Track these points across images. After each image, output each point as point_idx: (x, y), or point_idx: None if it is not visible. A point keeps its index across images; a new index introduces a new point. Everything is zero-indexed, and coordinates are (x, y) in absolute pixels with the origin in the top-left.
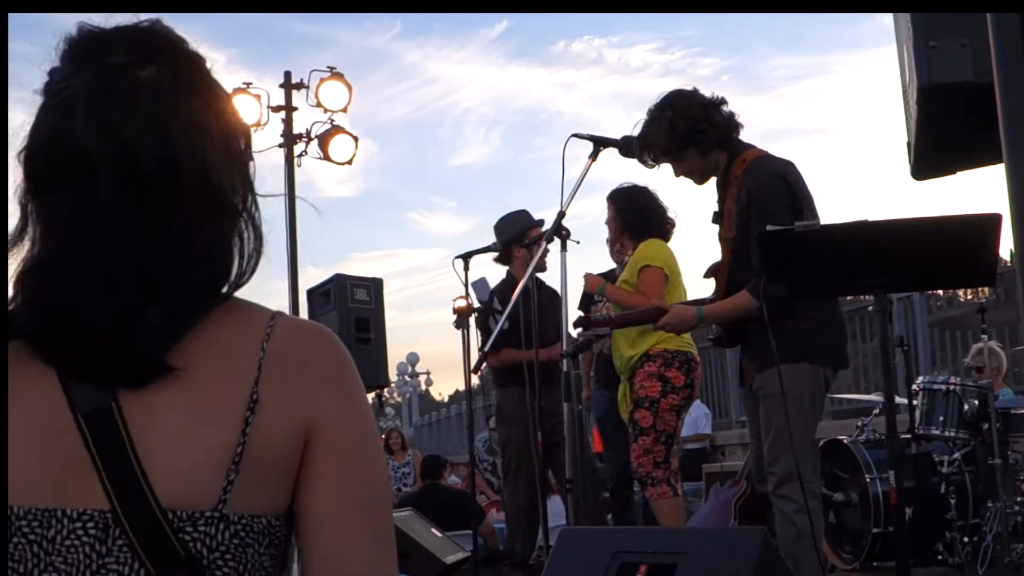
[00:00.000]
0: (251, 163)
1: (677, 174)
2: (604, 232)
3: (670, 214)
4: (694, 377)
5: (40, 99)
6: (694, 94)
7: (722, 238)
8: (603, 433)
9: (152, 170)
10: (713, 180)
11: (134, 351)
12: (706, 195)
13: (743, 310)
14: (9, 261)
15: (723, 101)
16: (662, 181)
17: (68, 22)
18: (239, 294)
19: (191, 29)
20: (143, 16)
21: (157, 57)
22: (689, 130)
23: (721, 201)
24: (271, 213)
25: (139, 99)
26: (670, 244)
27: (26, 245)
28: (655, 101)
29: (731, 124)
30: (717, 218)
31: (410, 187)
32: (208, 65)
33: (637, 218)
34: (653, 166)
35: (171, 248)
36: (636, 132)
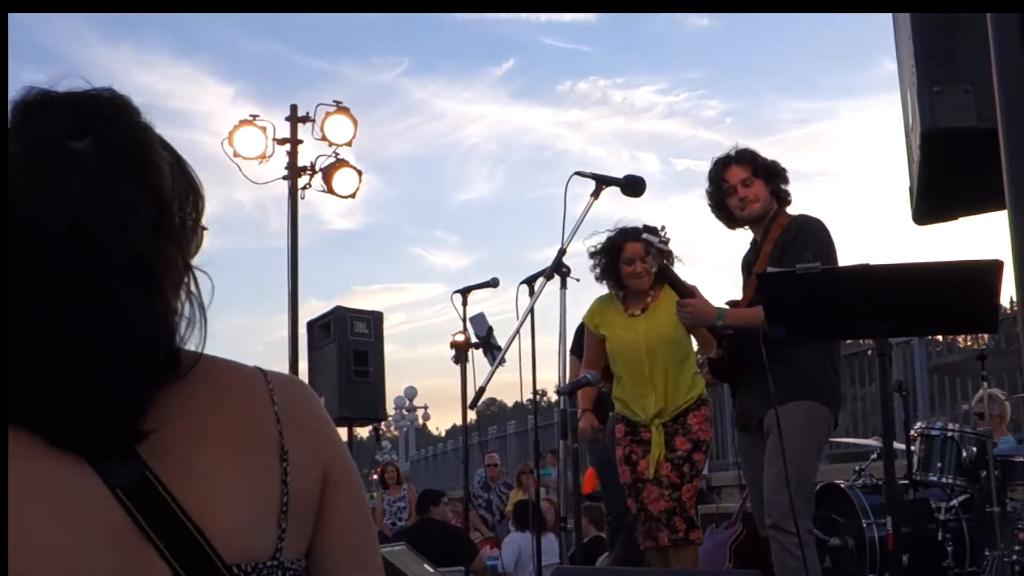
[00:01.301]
0: (193, 233)
1: (741, 195)
2: None
3: None
4: None
5: None
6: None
7: (751, 274)
8: (602, 474)
9: (66, 243)
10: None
11: (104, 430)
12: None
13: (761, 321)
14: None
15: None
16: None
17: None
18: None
19: (201, 63)
20: (98, 85)
21: (93, 129)
22: (774, 165)
23: (760, 242)
24: (273, 245)
25: (64, 173)
26: None
27: None
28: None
29: (788, 195)
30: (751, 261)
31: (414, 222)
32: (151, 136)
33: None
34: (718, 196)
35: (83, 327)
36: (734, 152)
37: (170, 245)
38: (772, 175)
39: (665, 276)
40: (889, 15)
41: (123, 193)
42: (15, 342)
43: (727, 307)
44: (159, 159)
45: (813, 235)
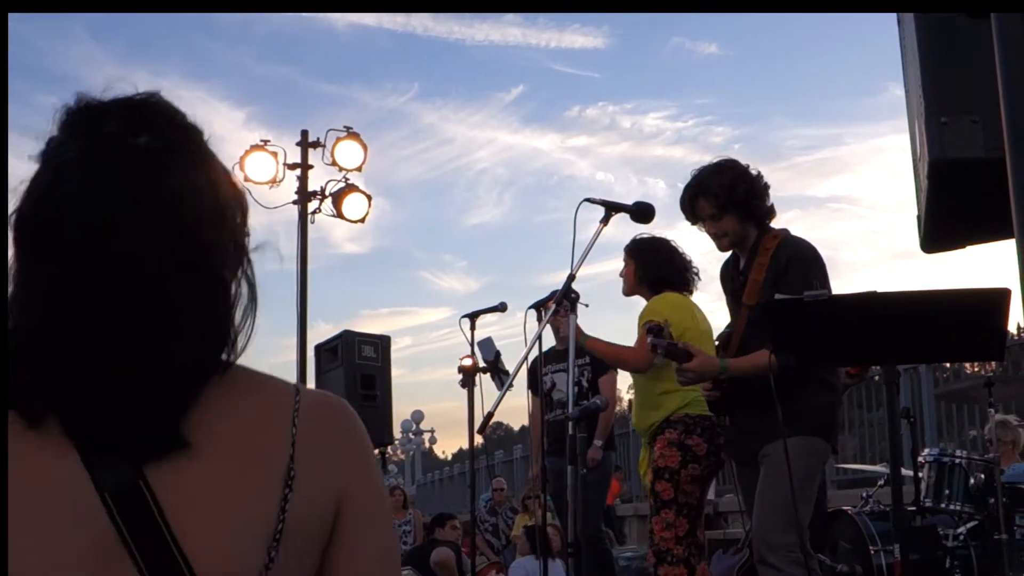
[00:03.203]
0: (246, 234)
1: (709, 231)
2: (614, 295)
3: (693, 267)
4: (719, 444)
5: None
6: (752, 170)
7: (741, 305)
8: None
9: (136, 239)
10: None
11: (145, 423)
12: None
13: (765, 368)
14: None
15: (768, 188)
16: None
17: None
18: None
19: (213, 88)
20: (142, 89)
21: (150, 127)
22: (745, 194)
23: (746, 270)
24: (283, 269)
25: (128, 168)
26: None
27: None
28: (713, 161)
29: (771, 210)
30: (737, 287)
31: (423, 246)
32: (205, 137)
33: (655, 271)
34: (694, 221)
35: (151, 318)
36: (690, 180)
37: (230, 242)
38: (739, 203)
39: (670, 356)
40: (896, 39)
41: (188, 187)
42: (65, 334)
43: (728, 361)
44: (211, 156)
45: (807, 263)
